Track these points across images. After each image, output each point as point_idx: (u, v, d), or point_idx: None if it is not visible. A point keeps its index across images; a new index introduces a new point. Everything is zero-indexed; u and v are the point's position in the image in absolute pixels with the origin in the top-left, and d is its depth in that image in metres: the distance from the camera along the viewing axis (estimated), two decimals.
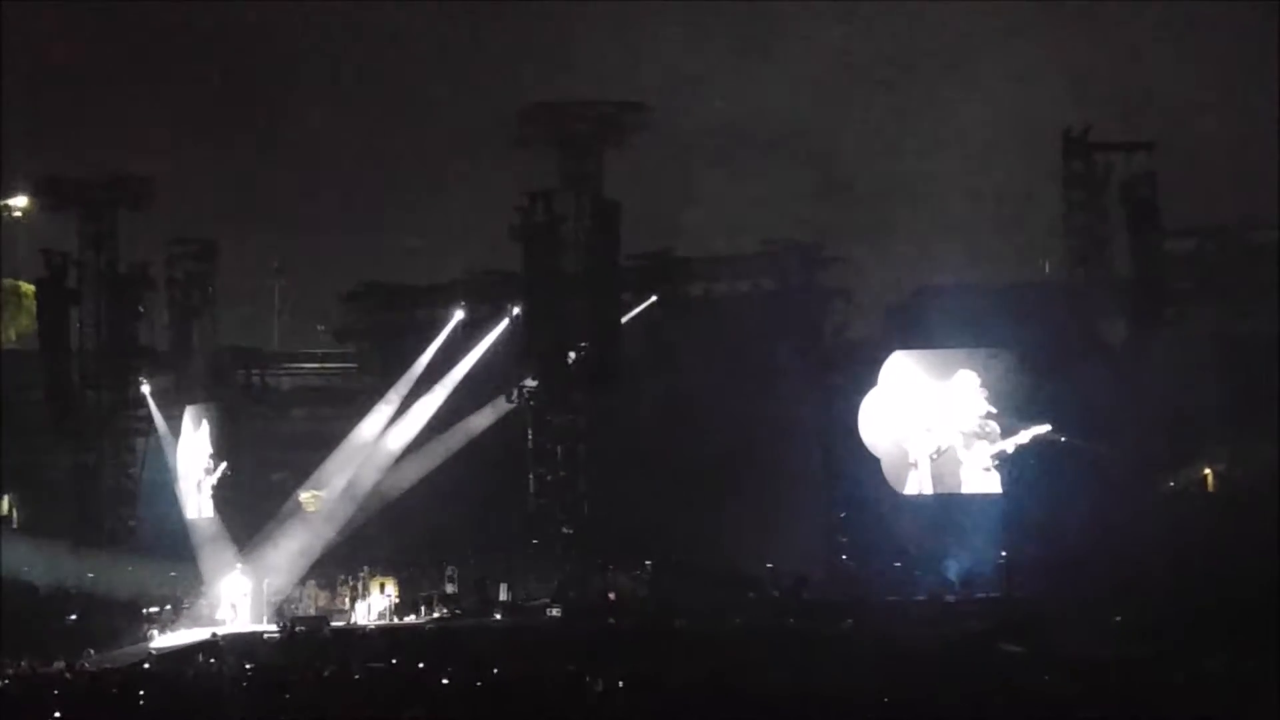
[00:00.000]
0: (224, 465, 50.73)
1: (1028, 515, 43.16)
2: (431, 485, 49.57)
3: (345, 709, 26.91)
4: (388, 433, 50.30)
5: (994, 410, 44.44)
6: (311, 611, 46.30)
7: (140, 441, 50.87)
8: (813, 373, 46.49)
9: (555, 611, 44.05)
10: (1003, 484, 44.24)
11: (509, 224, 46.86)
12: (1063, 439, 43.59)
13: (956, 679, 29.11)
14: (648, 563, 45.77)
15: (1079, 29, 51.72)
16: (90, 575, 47.36)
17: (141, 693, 29.63)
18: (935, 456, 44.94)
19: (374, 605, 46.04)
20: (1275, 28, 47.35)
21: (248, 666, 35.68)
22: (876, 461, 45.39)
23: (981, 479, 44.59)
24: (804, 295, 48.18)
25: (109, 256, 50.16)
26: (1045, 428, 43.67)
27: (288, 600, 47.35)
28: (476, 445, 49.73)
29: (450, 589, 46.21)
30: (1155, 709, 24.19)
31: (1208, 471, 46.17)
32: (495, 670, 31.58)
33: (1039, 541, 42.47)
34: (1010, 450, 44.15)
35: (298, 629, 43.19)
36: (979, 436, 44.66)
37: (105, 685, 31.50)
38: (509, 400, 48.48)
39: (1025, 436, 43.92)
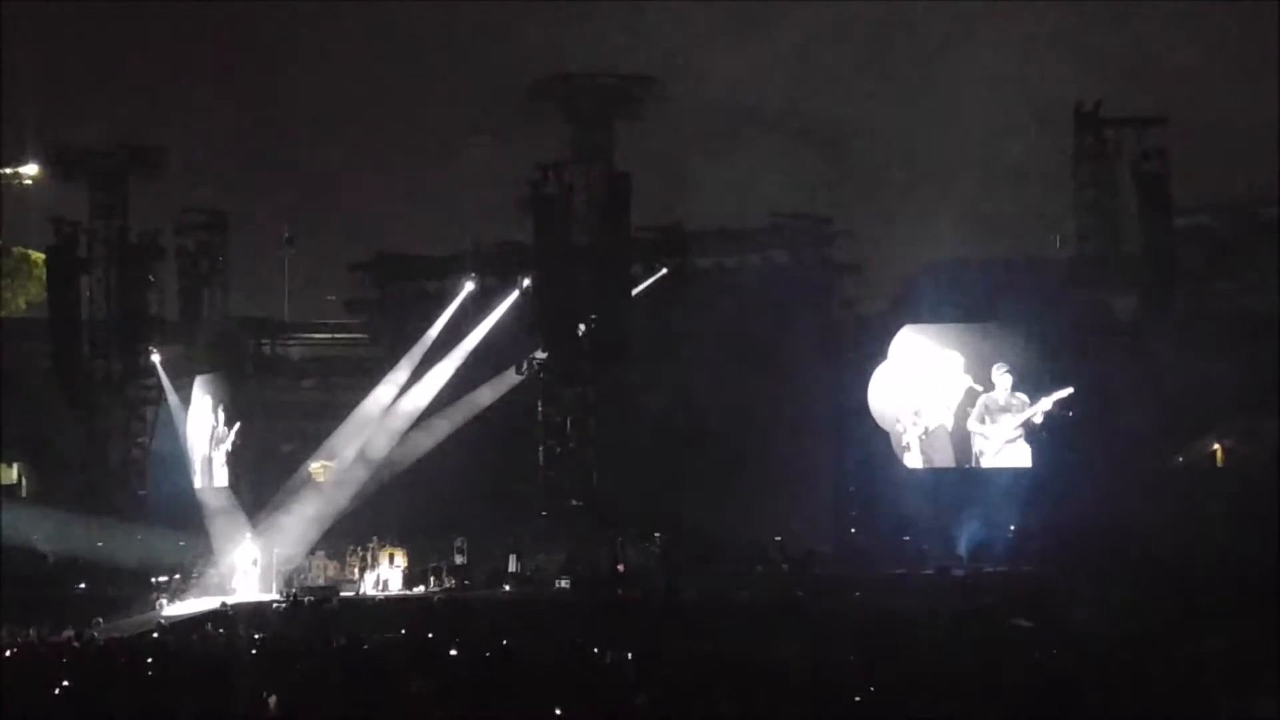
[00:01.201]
0: (234, 435, 50.79)
1: (1037, 490, 43.12)
2: (441, 457, 49.62)
3: (353, 679, 26.88)
4: (397, 404, 50.32)
5: (1009, 385, 44.39)
6: (320, 582, 46.44)
7: (150, 411, 50.99)
8: (823, 347, 46.45)
9: (564, 583, 44.11)
10: (1026, 458, 44.21)
11: (519, 195, 46.86)
12: (1071, 414, 43.55)
13: (964, 653, 29.10)
14: (657, 535, 45.79)
15: (1090, 3, 51.64)
16: (99, 544, 47.45)
17: (150, 661, 29.65)
18: (947, 431, 44.92)
19: (383, 576, 46.09)
20: None
21: (256, 636, 35.72)
22: (886, 436, 45.38)
23: (1005, 451, 44.45)
24: (814, 269, 48.12)
25: (119, 225, 50.21)
26: (1068, 390, 43.50)
27: (297, 570, 47.45)
28: (486, 417, 49.75)
29: (459, 560, 46.27)
30: (1159, 686, 24.14)
31: (1216, 447, 46.09)
32: (504, 642, 31.57)
33: (1048, 516, 42.45)
34: (1037, 420, 44.06)
35: (306, 599, 43.29)
36: (1000, 410, 44.56)
37: (114, 654, 31.55)
38: (519, 372, 48.42)
39: (1048, 403, 43.78)
